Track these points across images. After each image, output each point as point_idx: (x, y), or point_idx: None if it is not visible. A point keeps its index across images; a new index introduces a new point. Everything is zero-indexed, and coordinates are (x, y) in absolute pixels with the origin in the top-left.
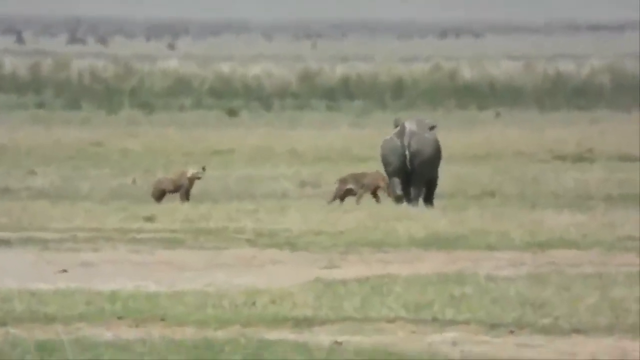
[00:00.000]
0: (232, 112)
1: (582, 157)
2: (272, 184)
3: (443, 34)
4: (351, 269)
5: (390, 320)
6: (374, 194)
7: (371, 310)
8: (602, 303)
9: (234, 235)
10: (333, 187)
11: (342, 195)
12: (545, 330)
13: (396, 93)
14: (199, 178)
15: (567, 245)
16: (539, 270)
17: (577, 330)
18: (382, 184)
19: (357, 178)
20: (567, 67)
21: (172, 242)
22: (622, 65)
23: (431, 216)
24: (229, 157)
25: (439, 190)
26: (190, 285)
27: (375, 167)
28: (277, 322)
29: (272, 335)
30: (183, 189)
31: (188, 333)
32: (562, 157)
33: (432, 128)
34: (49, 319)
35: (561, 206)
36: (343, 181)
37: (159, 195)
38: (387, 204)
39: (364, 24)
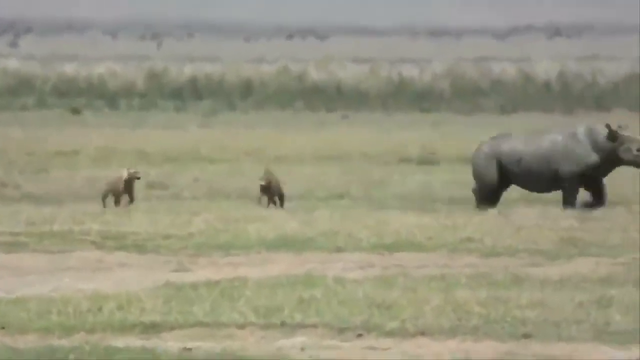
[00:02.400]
0: (75, 111)
1: (426, 160)
2: None
3: (290, 35)
4: (201, 272)
5: (240, 326)
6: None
7: (221, 315)
8: (446, 305)
9: (80, 237)
10: (182, 188)
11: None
12: (392, 333)
13: (244, 94)
14: (137, 178)
15: (413, 247)
16: (386, 272)
17: (422, 332)
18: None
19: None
20: (409, 71)
21: (14, 246)
22: (462, 70)
23: (281, 217)
24: (73, 158)
25: (287, 192)
26: (33, 290)
27: (225, 169)
28: (124, 328)
29: (119, 342)
30: (120, 194)
31: (30, 341)
32: (407, 160)
33: (615, 130)
34: None
35: (407, 208)
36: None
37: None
38: (238, 206)
39: (210, 24)
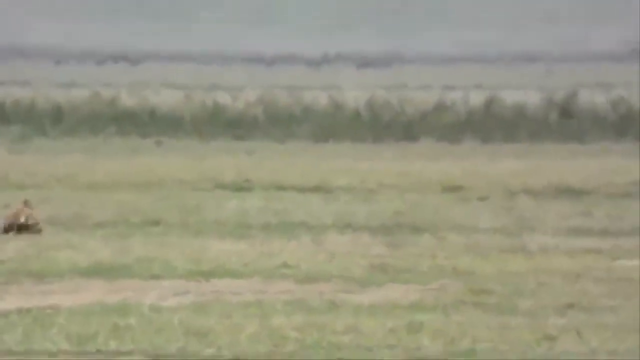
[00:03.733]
0: None
1: (240, 186)
2: None
3: (101, 60)
4: (12, 300)
5: (53, 354)
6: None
7: (33, 344)
8: (262, 331)
9: None
10: None
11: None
12: None
13: (55, 119)
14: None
15: (229, 273)
16: (202, 299)
17: (238, 359)
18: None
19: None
20: (223, 97)
21: None
22: (274, 98)
23: (94, 245)
24: None
25: (100, 218)
26: None
27: (36, 195)
28: None
29: None
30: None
31: None
32: (222, 186)
33: None
34: None
35: (223, 234)
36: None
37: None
38: (49, 234)
39: (17, 48)
